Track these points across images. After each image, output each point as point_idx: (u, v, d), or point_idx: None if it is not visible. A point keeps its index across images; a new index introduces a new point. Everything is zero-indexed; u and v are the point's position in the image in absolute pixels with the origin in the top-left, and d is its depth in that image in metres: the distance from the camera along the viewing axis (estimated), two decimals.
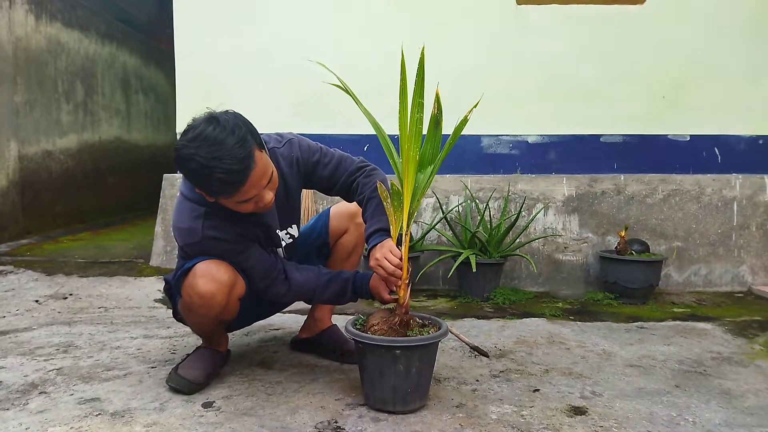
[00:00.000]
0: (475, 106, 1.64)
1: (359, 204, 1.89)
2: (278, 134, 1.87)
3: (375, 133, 1.72)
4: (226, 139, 1.51)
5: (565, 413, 1.70)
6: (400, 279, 1.70)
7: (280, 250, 1.91)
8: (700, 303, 3.18)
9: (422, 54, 1.55)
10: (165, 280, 1.97)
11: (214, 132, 1.51)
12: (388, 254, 1.70)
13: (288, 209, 1.91)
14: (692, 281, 3.50)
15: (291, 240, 1.95)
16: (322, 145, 1.89)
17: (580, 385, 1.93)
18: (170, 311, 2.78)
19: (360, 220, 1.94)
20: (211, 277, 1.68)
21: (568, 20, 3.56)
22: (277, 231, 1.88)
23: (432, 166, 1.67)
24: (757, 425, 1.65)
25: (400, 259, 1.70)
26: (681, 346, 2.37)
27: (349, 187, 1.87)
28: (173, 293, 1.91)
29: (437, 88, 1.57)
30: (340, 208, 2.08)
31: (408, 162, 1.62)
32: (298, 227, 1.99)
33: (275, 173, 1.64)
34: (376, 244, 1.76)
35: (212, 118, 1.55)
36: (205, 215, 1.70)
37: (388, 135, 1.71)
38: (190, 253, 1.75)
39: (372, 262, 1.73)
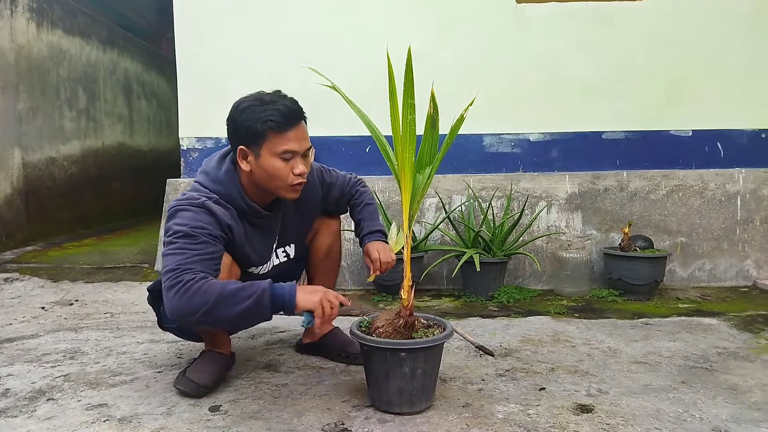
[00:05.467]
0: (470, 105, 1.64)
1: (354, 207, 2.10)
2: None
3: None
4: (285, 95, 1.75)
5: (572, 411, 1.70)
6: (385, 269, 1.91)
7: (267, 265, 1.92)
8: (704, 298, 3.17)
9: (409, 55, 1.55)
10: (149, 290, 1.96)
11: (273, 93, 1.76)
12: (385, 251, 1.93)
13: (294, 225, 1.97)
14: (697, 276, 3.49)
15: (285, 259, 2.00)
16: (329, 168, 2.08)
17: (586, 382, 1.93)
18: None
19: (328, 220, 2.11)
20: None
21: (567, 17, 3.56)
22: (274, 243, 1.92)
23: (431, 167, 1.67)
24: (765, 420, 1.64)
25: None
26: (686, 341, 2.37)
27: (351, 197, 2.11)
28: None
29: (432, 88, 1.57)
30: None
31: (404, 164, 1.62)
32: (297, 250, 2.04)
33: (313, 153, 1.80)
34: (377, 241, 1.98)
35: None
36: (215, 201, 1.73)
37: (387, 136, 1.71)
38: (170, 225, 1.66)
39: (371, 250, 1.94)
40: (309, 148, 1.76)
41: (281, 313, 1.58)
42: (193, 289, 1.51)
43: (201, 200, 1.69)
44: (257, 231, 1.84)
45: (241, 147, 1.72)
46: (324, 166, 2.07)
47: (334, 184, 2.06)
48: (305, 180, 1.76)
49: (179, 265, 1.55)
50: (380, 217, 2.09)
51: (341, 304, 1.64)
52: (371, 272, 1.92)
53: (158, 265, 3.73)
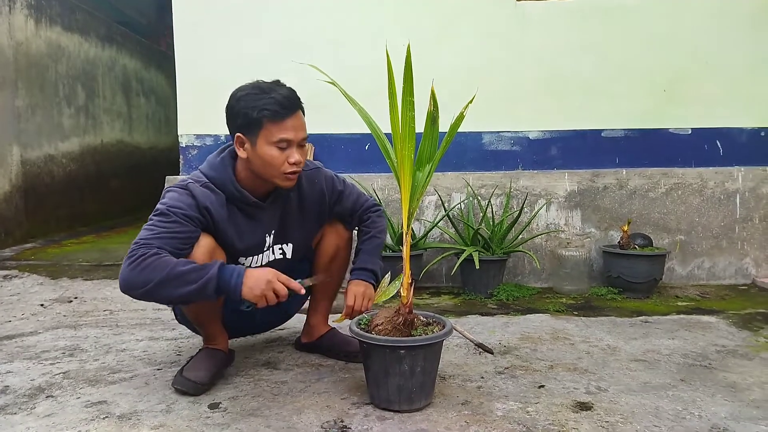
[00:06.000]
0: (470, 102, 1.64)
1: (361, 234, 2.06)
2: (308, 160, 1.99)
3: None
4: (283, 84, 1.78)
5: (571, 409, 1.70)
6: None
7: (259, 258, 1.92)
8: (704, 296, 3.17)
9: (408, 52, 1.55)
10: None
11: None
12: (363, 299, 1.88)
13: (295, 224, 1.96)
14: (696, 274, 3.49)
15: (281, 257, 1.98)
16: (344, 178, 2.07)
17: (585, 380, 1.93)
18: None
19: (338, 226, 2.07)
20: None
21: (567, 15, 3.56)
22: (267, 236, 1.90)
23: (430, 164, 1.67)
24: (763, 418, 1.65)
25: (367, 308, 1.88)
26: (685, 339, 2.37)
27: (360, 218, 2.07)
28: None
29: (432, 85, 1.57)
30: None
31: (403, 161, 1.62)
32: (296, 250, 2.00)
33: (312, 150, 1.78)
34: (361, 280, 1.93)
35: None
36: (203, 184, 1.77)
37: (387, 134, 1.71)
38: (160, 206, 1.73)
39: (349, 294, 1.89)
40: (305, 138, 1.78)
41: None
42: (143, 265, 1.56)
43: (186, 183, 1.77)
44: (248, 220, 1.84)
45: (239, 134, 1.76)
46: (338, 175, 2.06)
47: (346, 196, 2.02)
48: (300, 169, 1.78)
49: (141, 239, 1.62)
50: (380, 253, 2.04)
51: (292, 291, 1.67)
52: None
53: None
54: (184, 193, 1.73)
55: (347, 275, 2.08)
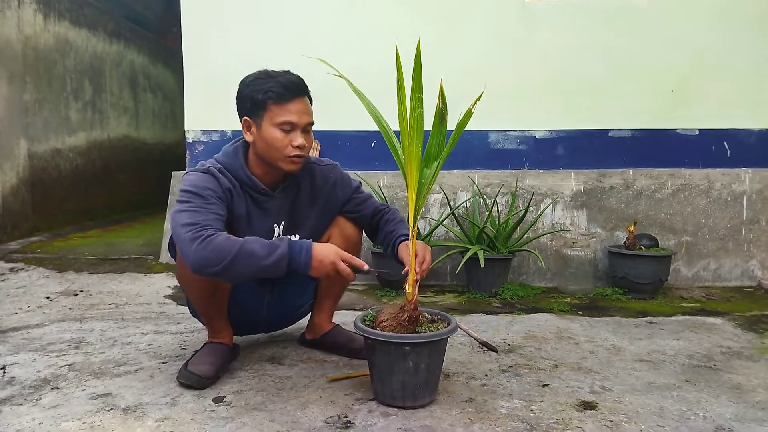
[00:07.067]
0: (478, 99, 1.63)
1: (389, 222, 2.01)
2: (324, 157, 2.04)
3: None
4: (291, 72, 1.82)
5: (575, 408, 1.70)
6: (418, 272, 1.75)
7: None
8: (709, 298, 3.16)
9: (418, 48, 1.54)
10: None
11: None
12: (427, 251, 1.83)
13: (305, 215, 1.96)
14: (701, 276, 3.48)
15: None
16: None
17: (589, 380, 1.93)
18: (180, 307, 2.81)
19: (347, 227, 2.04)
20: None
21: (575, 15, 3.55)
22: (276, 226, 1.91)
23: (437, 162, 1.67)
24: None
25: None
26: (690, 340, 2.37)
27: (378, 213, 2.04)
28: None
29: (441, 82, 1.57)
30: None
31: (410, 158, 1.62)
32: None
33: (315, 145, 1.81)
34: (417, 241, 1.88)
35: None
36: (218, 170, 1.81)
37: (394, 131, 1.71)
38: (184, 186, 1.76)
39: (404, 252, 1.85)
40: (310, 123, 1.81)
41: None
42: (214, 244, 1.58)
43: (206, 167, 1.80)
44: (258, 210, 1.86)
45: (246, 118, 1.80)
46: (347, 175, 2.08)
47: (359, 190, 2.05)
48: (304, 153, 1.80)
49: (198, 221, 1.64)
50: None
51: (358, 270, 1.69)
52: (412, 271, 1.69)
53: (163, 258, 3.74)
54: (207, 177, 1.77)
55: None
